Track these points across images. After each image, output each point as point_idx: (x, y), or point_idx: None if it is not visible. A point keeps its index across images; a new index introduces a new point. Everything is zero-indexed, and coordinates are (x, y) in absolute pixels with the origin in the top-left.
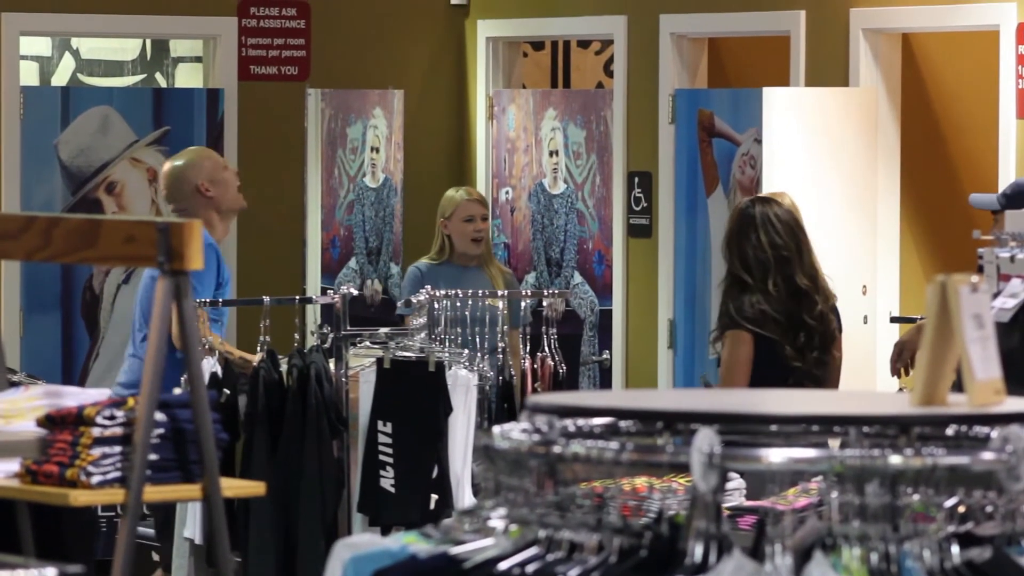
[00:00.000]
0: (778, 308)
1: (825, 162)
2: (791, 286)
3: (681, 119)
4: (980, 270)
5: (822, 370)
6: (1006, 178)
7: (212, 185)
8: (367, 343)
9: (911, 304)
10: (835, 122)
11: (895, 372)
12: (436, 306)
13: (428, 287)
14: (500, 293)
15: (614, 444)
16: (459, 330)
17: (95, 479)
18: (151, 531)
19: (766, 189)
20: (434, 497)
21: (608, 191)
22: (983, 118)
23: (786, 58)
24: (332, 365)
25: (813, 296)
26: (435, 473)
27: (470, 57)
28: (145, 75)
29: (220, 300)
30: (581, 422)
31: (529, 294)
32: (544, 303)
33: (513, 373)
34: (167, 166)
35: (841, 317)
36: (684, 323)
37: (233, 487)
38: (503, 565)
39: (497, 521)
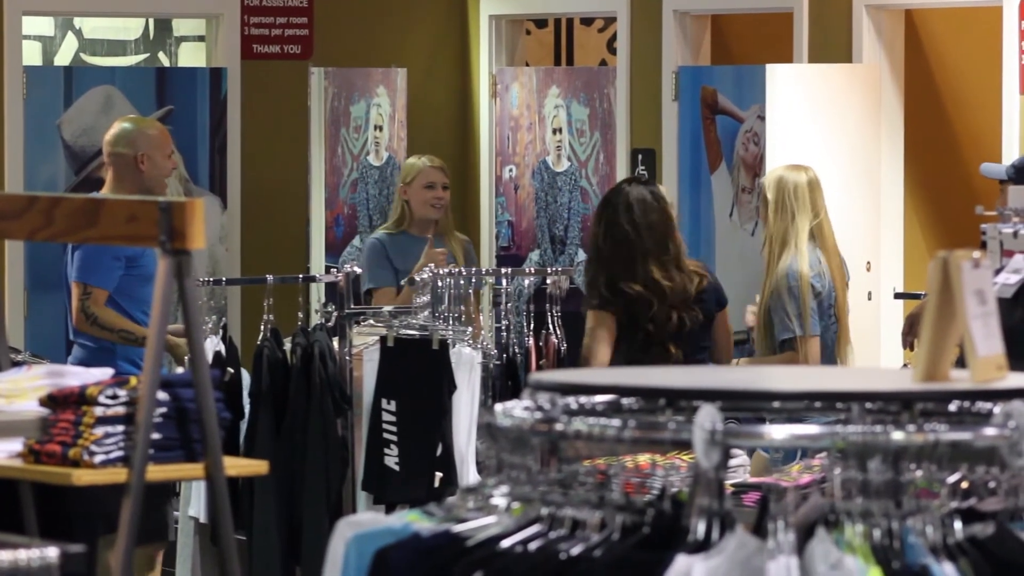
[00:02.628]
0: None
1: (828, 138)
2: (616, 288)
3: (684, 96)
4: (983, 246)
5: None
6: (1009, 153)
7: (148, 161)
8: (371, 321)
9: (915, 280)
10: (838, 98)
11: (907, 345)
12: (440, 284)
13: (431, 264)
14: (504, 271)
15: (616, 421)
16: (463, 308)
17: (98, 458)
18: None
19: (769, 165)
20: (438, 475)
21: (611, 169)
22: (986, 94)
23: (789, 34)
24: (336, 344)
25: (648, 299)
26: (439, 451)
27: (473, 35)
28: (148, 54)
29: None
30: (584, 399)
31: (533, 272)
32: (548, 281)
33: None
34: (125, 119)
35: (723, 295)
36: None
37: (236, 466)
38: (506, 543)
39: (500, 499)
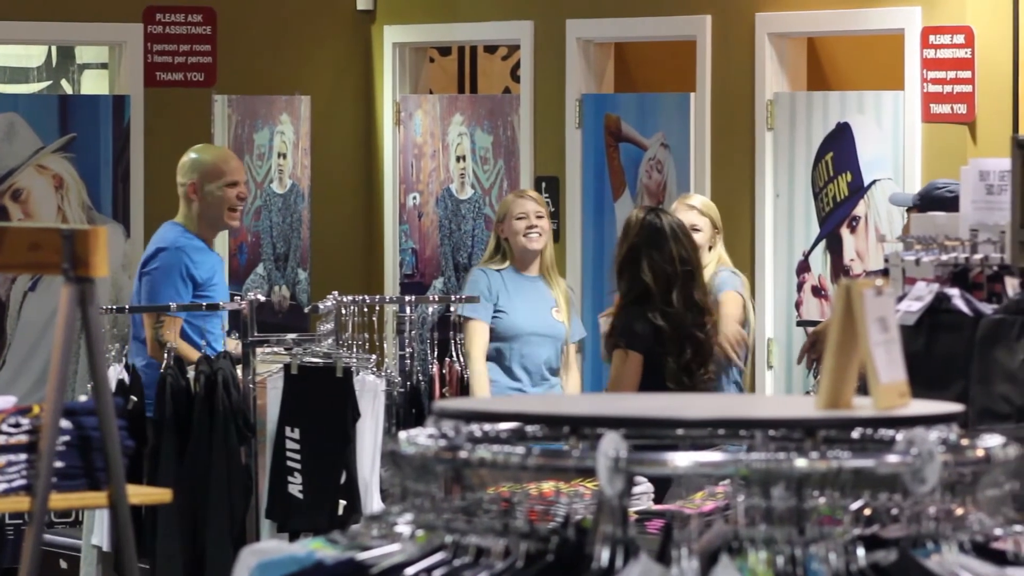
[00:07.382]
0: (674, 324)
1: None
2: (690, 301)
3: (588, 124)
4: (886, 273)
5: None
6: (912, 182)
7: (199, 193)
8: (274, 349)
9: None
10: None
11: (802, 361)
12: (344, 312)
13: (335, 292)
14: (408, 299)
15: (520, 449)
16: (366, 335)
17: (0, 487)
18: (60, 539)
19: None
20: (342, 503)
21: None
22: None
23: (692, 63)
24: (239, 371)
25: (706, 311)
26: (343, 479)
27: (377, 62)
28: (51, 82)
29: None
30: (488, 427)
31: (437, 299)
32: (452, 308)
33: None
34: (194, 147)
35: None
36: (591, 327)
37: (140, 494)
38: (410, 571)
39: (404, 527)
